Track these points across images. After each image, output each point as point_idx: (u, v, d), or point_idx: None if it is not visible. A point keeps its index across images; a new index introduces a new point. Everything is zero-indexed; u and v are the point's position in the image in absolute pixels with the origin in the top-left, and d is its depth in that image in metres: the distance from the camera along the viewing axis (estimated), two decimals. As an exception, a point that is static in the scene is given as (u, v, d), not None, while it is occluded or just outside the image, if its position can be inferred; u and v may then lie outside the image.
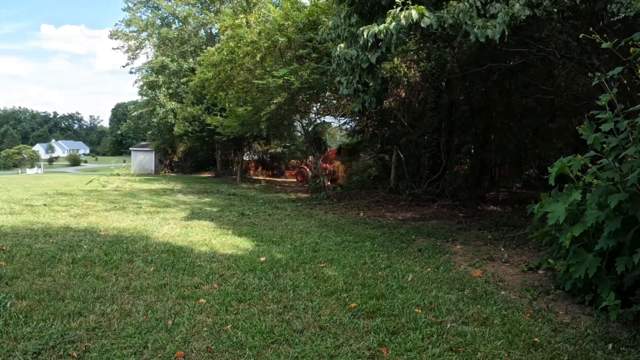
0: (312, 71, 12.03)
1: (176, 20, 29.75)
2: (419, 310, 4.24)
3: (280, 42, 12.60)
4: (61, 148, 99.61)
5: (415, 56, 13.24)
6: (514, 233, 7.96)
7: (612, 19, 5.36)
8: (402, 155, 14.86)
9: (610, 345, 3.58)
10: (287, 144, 28.54)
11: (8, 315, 3.82)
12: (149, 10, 30.11)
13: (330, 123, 24.59)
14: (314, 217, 10.18)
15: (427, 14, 5.65)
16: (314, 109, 17.93)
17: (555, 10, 5.89)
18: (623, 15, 4.85)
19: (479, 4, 5.60)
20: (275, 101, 13.53)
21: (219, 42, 19.50)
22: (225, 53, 14.71)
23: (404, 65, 13.63)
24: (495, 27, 5.40)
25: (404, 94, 15.07)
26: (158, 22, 29.88)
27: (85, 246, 6.39)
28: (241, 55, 13.79)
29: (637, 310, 3.87)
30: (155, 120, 29.27)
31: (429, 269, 5.78)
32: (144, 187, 17.45)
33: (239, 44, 13.82)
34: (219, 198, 14.09)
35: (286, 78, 12.02)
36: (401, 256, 6.48)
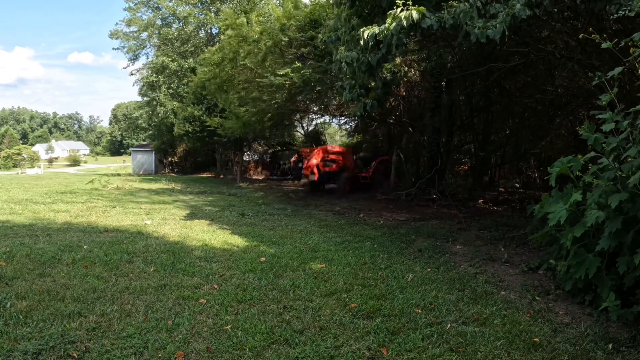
0: (313, 70, 12.04)
1: (177, 21, 29.74)
2: (419, 311, 4.24)
3: (282, 42, 12.62)
4: (61, 148, 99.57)
5: (415, 56, 13.24)
6: (514, 233, 7.96)
7: (611, 17, 5.34)
8: (402, 155, 14.87)
9: (610, 346, 3.58)
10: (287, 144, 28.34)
11: (8, 315, 3.82)
12: (150, 10, 30.12)
13: (330, 123, 24.57)
14: (313, 217, 10.17)
15: (427, 14, 5.65)
16: (314, 108, 17.93)
17: (556, 10, 5.88)
18: (622, 13, 4.83)
19: (479, 4, 5.59)
20: (276, 100, 13.55)
21: (219, 42, 19.52)
22: (226, 52, 14.73)
23: (404, 65, 13.64)
24: (496, 27, 5.40)
25: (404, 94, 15.08)
26: (159, 22, 29.88)
27: (85, 246, 6.39)
28: (242, 55, 13.80)
29: (638, 310, 3.87)
30: (156, 121, 29.29)
31: (429, 269, 5.77)
32: (144, 187, 17.45)
33: (240, 43, 13.83)
34: (218, 198, 14.09)
35: (290, 75, 12.02)
36: (401, 256, 6.48)
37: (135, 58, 31.33)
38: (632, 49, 4.13)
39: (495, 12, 5.58)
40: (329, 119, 22.13)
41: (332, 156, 15.89)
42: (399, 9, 5.78)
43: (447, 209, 11.38)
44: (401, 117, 15.21)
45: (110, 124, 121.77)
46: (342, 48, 7.18)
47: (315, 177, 15.09)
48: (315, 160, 15.16)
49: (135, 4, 29.87)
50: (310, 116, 22.26)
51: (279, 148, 22.58)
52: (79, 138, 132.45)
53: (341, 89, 7.85)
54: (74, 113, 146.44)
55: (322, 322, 3.93)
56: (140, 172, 32.84)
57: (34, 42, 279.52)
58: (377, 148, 16.74)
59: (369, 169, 16.02)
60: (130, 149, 39.39)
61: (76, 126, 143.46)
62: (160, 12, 29.93)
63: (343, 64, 6.93)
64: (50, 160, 71.33)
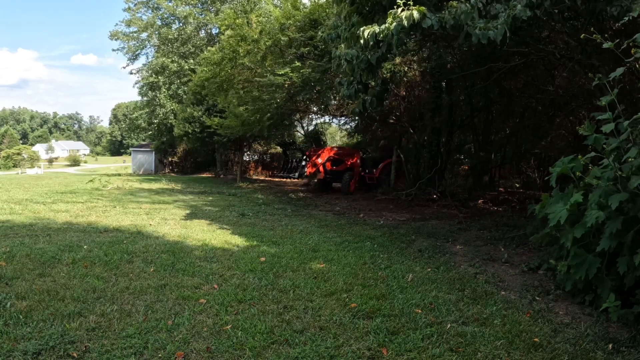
0: (313, 69, 12.03)
1: (176, 21, 29.73)
2: (419, 311, 4.24)
3: (282, 42, 12.62)
4: (61, 148, 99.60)
5: (416, 56, 13.24)
6: (514, 233, 7.96)
7: (616, 24, 5.35)
8: (402, 156, 14.87)
9: (610, 346, 3.58)
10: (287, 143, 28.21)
11: (8, 315, 3.82)
12: (149, 11, 30.10)
13: (330, 123, 24.53)
14: (313, 217, 10.17)
15: (428, 14, 5.64)
16: (314, 108, 17.93)
17: (556, 11, 5.88)
18: (626, 19, 4.84)
19: (480, 4, 5.58)
20: (276, 100, 13.56)
21: (219, 42, 19.52)
22: (226, 51, 14.73)
23: (404, 65, 13.64)
24: (497, 29, 5.39)
25: (404, 94, 15.09)
26: (158, 22, 29.86)
27: (85, 246, 6.39)
28: (242, 54, 13.80)
29: (638, 311, 3.87)
30: (156, 121, 29.30)
31: (429, 269, 5.77)
32: (144, 187, 17.45)
33: (240, 43, 13.83)
34: (218, 198, 14.08)
35: (290, 75, 12.02)
36: (401, 256, 6.48)
37: (134, 58, 31.34)
38: (633, 50, 4.13)
39: (496, 12, 5.58)
40: (329, 119, 22.14)
41: (339, 156, 15.98)
42: (400, 9, 5.78)
43: (447, 209, 11.38)
44: (401, 117, 15.20)
45: (110, 124, 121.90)
46: (342, 45, 7.17)
47: (321, 176, 15.24)
48: (321, 160, 15.25)
49: (135, 5, 29.85)
50: (310, 116, 22.26)
51: (288, 146, 22.64)
52: (79, 138, 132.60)
53: (339, 84, 7.84)
54: (74, 113, 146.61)
55: (322, 322, 3.93)
56: (140, 172, 32.86)
57: (37, 44, 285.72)
58: (387, 150, 16.16)
59: (376, 170, 15.90)
60: (130, 149, 39.41)
61: (76, 126, 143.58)
62: (160, 12, 29.91)
63: (343, 61, 6.93)
64: (50, 160, 71.41)
